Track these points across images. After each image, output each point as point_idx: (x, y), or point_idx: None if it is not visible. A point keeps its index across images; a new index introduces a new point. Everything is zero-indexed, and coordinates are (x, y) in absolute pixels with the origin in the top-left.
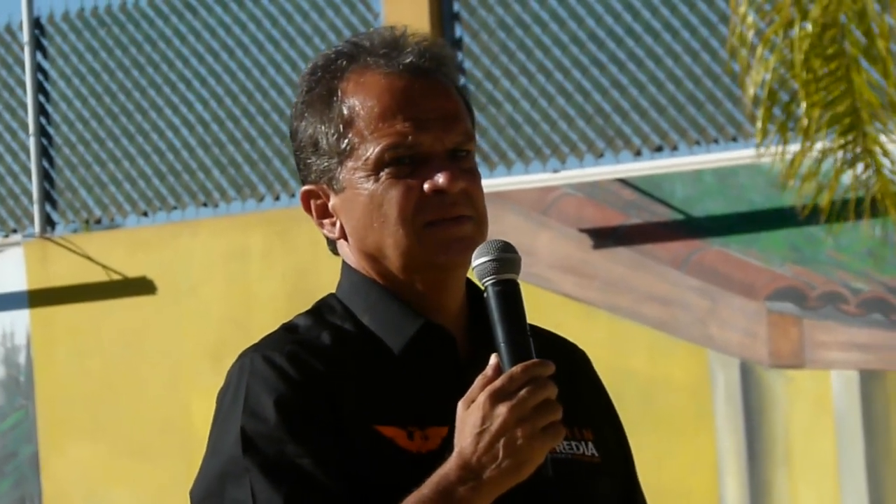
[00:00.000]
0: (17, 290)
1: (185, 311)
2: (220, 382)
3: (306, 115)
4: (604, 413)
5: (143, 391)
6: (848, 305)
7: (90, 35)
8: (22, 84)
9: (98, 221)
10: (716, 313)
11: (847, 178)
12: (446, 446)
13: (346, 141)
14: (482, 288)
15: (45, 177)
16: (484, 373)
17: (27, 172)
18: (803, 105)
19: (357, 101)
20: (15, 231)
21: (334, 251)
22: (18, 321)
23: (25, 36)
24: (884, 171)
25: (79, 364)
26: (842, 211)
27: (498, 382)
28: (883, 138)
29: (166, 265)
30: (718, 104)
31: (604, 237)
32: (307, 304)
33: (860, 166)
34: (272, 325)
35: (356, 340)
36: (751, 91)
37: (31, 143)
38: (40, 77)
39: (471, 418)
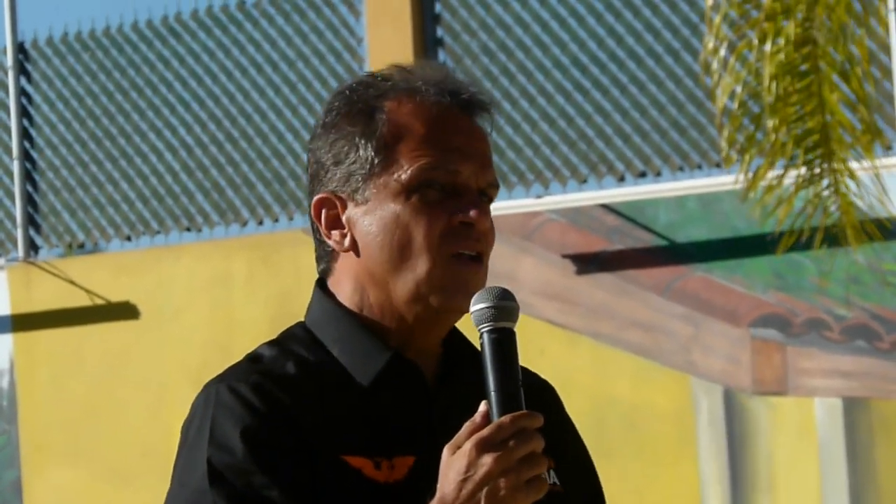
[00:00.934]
0: (0, 314)
1: (167, 336)
2: None
3: (342, 125)
4: (566, 447)
5: (125, 416)
6: (831, 332)
7: (74, 59)
8: (6, 108)
9: (81, 246)
10: (699, 340)
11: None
12: (413, 476)
13: (382, 156)
14: (478, 334)
15: (29, 201)
16: (472, 419)
17: (11, 196)
18: (770, 121)
19: (403, 120)
20: None
21: (324, 272)
22: (1, 345)
23: (9, 60)
24: (845, 192)
25: (61, 388)
26: (813, 237)
27: (486, 431)
28: (852, 164)
29: (149, 290)
30: (702, 130)
31: (587, 263)
32: None
33: (825, 182)
34: None
35: (322, 371)
36: (721, 101)
37: (15, 167)
38: (24, 101)
39: (456, 464)
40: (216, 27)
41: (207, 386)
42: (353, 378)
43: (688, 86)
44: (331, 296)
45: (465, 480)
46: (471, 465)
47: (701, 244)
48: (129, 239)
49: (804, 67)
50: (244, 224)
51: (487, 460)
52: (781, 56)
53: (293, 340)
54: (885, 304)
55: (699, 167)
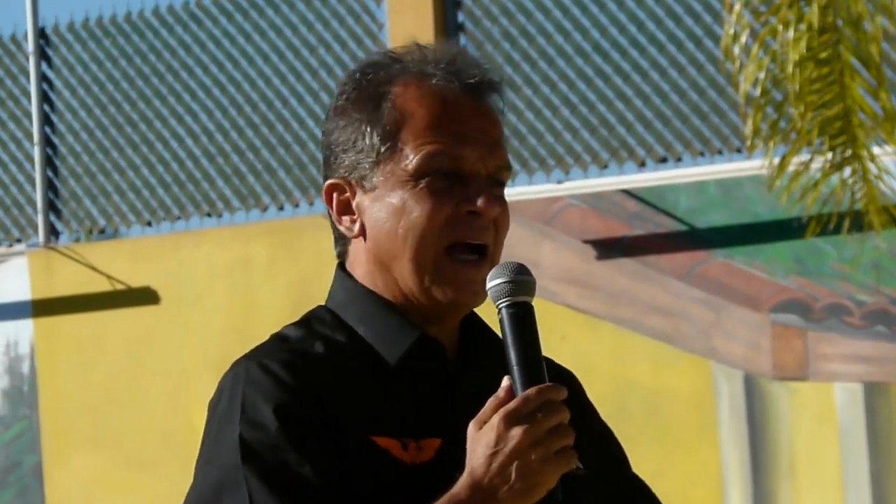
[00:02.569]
0: (21, 299)
1: (188, 322)
2: None
3: (350, 111)
4: (590, 433)
5: (145, 401)
6: (852, 318)
7: (95, 45)
8: (27, 94)
9: (102, 231)
10: (720, 325)
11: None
12: (440, 458)
13: (389, 143)
14: (496, 309)
15: (50, 186)
16: (496, 394)
17: (31, 182)
18: (793, 109)
19: (409, 106)
20: (19, 241)
21: (341, 255)
22: (22, 331)
23: (30, 46)
24: (870, 178)
25: (82, 374)
26: (841, 222)
27: (513, 404)
28: (875, 149)
29: (170, 275)
30: (723, 115)
31: (607, 248)
32: None
33: (847, 171)
34: None
35: (349, 351)
36: (744, 88)
37: (36, 152)
38: (45, 87)
39: (484, 438)
40: (237, 12)
41: (236, 364)
42: (380, 357)
43: (709, 71)
44: (351, 277)
45: (494, 454)
46: (500, 439)
47: (722, 229)
48: (149, 224)
49: (825, 55)
50: (265, 209)
51: (517, 433)
52: (803, 43)
53: (317, 321)
54: None
55: (720, 152)
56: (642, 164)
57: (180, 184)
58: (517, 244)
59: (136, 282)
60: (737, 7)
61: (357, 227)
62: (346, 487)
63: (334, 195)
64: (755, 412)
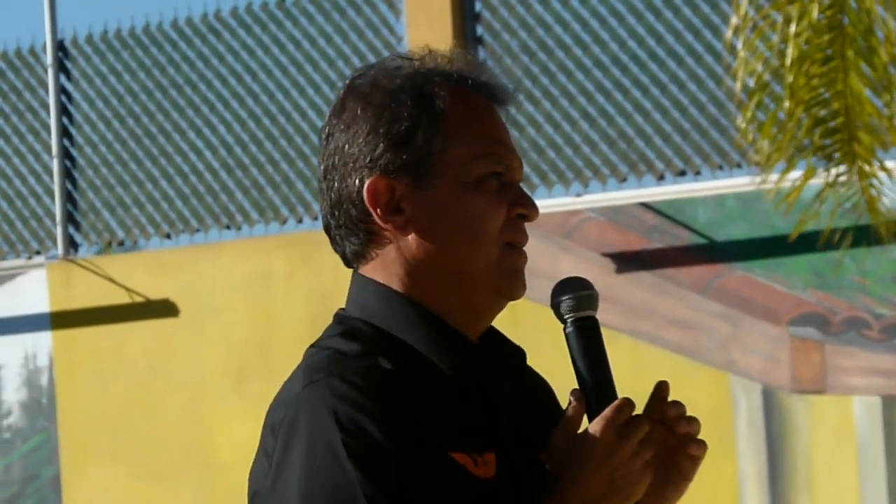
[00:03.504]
0: (40, 311)
1: (207, 334)
2: (242, 405)
3: (394, 108)
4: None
5: (164, 414)
6: (871, 331)
7: (113, 57)
8: (45, 106)
9: (121, 243)
10: (738, 338)
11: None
12: (500, 471)
13: (446, 144)
14: (563, 324)
15: (69, 199)
16: (567, 411)
17: (50, 194)
18: (787, 104)
19: (459, 110)
20: (38, 253)
21: (358, 255)
22: (41, 343)
23: (49, 58)
24: (871, 190)
25: (101, 386)
26: (860, 235)
27: (612, 414)
28: (879, 157)
29: (188, 287)
30: (741, 129)
31: (626, 261)
32: None
33: (842, 167)
34: (294, 348)
35: (409, 363)
36: (741, 80)
37: (55, 165)
38: (63, 99)
39: (592, 451)
40: (256, 25)
41: (312, 381)
42: (437, 368)
43: (728, 85)
44: (378, 283)
45: (602, 464)
46: (607, 449)
47: (740, 243)
48: (168, 237)
49: (829, 51)
50: (283, 222)
51: (622, 443)
52: (803, 39)
53: (361, 335)
54: None
55: (738, 166)
56: (661, 178)
57: (199, 196)
58: (536, 257)
59: (155, 294)
60: (743, 3)
61: (409, 226)
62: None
63: (379, 194)
64: (773, 425)
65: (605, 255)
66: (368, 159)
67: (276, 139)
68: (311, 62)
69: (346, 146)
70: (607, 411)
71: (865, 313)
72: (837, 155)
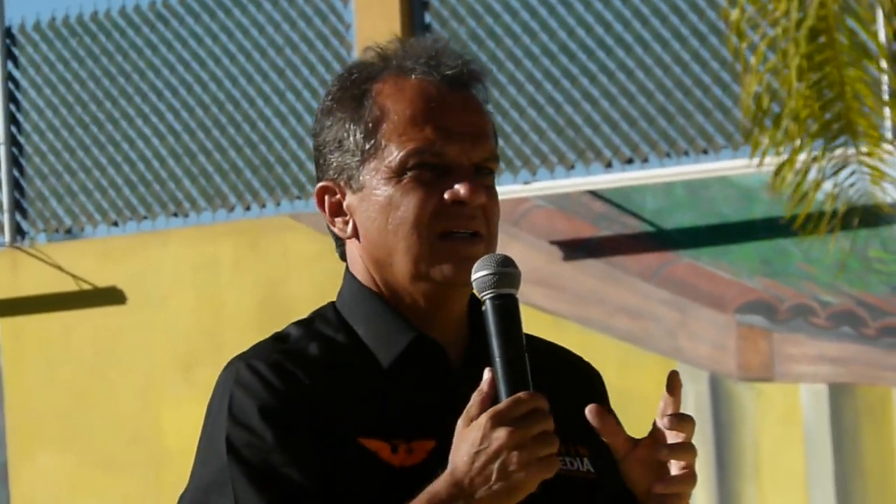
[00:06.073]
0: None
1: (155, 322)
2: (191, 393)
3: (335, 111)
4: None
5: (112, 401)
6: (818, 318)
7: (61, 45)
8: None
9: (68, 231)
10: (686, 326)
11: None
12: (431, 460)
13: (372, 141)
14: (480, 301)
15: (16, 186)
16: (479, 388)
17: None
18: (793, 102)
19: (390, 103)
20: None
21: (342, 256)
22: None
23: None
24: (865, 168)
25: (48, 374)
26: (808, 222)
27: (502, 405)
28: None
29: (136, 275)
30: (689, 116)
31: (574, 249)
32: (278, 315)
33: (846, 167)
34: (242, 336)
35: (346, 352)
36: (750, 87)
37: (2, 152)
38: (11, 86)
39: (469, 436)
40: (204, 12)
41: (229, 364)
42: (377, 359)
43: (675, 73)
44: (355, 277)
45: (478, 453)
46: (484, 438)
47: (688, 230)
48: (115, 224)
49: (821, 39)
50: (231, 209)
51: (502, 434)
52: (803, 43)
53: (321, 320)
54: (870, 290)
55: (686, 154)
56: (609, 166)
57: (147, 183)
58: None
59: (103, 282)
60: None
61: (349, 228)
62: (332, 489)
63: (325, 197)
64: (720, 413)
65: (552, 242)
66: (319, 164)
67: (224, 127)
68: (259, 49)
69: (313, 151)
70: (503, 403)
71: (812, 301)
72: (833, 135)
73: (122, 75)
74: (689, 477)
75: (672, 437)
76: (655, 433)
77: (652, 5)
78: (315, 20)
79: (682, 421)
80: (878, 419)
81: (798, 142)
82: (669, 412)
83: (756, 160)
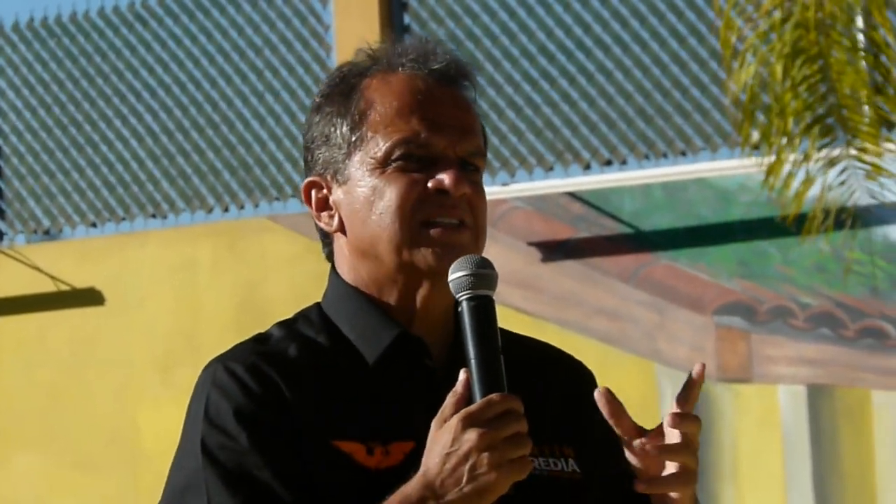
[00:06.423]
0: None
1: (133, 323)
2: (168, 394)
3: (324, 107)
4: (591, 429)
5: (90, 402)
6: (796, 320)
7: (39, 45)
8: None
9: (46, 232)
10: (664, 327)
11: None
12: (409, 462)
13: (358, 133)
14: (456, 302)
15: None
16: (454, 390)
17: None
18: (784, 103)
19: (377, 96)
20: None
21: (329, 256)
22: None
23: None
24: (858, 165)
25: (25, 375)
26: (801, 222)
27: (474, 407)
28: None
29: (114, 276)
30: (667, 118)
31: (552, 251)
32: (256, 316)
33: (837, 151)
34: (220, 337)
35: (328, 353)
36: (737, 85)
37: None
38: None
39: (441, 438)
40: (183, 13)
41: (208, 366)
42: (362, 358)
43: (654, 74)
44: (339, 276)
45: (448, 454)
46: (455, 440)
47: (666, 232)
48: (94, 225)
49: (814, 51)
50: (209, 211)
51: (472, 435)
52: (789, 45)
53: (304, 321)
54: (849, 292)
55: (665, 156)
56: (587, 167)
57: (125, 185)
58: None
59: (81, 283)
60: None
61: (336, 221)
62: (305, 492)
63: (312, 193)
64: (699, 414)
65: (531, 244)
66: (307, 160)
67: (203, 128)
68: (238, 51)
69: (303, 150)
70: (475, 404)
71: (791, 302)
72: (838, 134)
73: (101, 76)
74: (680, 478)
75: (671, 436)
76: (659, 428)
77: (631, 6)
78: (294, 22)
79: (682, 420)
80: (857, 421)
81: (785, 139)
82: (675, 409)
83: (738, 160)
